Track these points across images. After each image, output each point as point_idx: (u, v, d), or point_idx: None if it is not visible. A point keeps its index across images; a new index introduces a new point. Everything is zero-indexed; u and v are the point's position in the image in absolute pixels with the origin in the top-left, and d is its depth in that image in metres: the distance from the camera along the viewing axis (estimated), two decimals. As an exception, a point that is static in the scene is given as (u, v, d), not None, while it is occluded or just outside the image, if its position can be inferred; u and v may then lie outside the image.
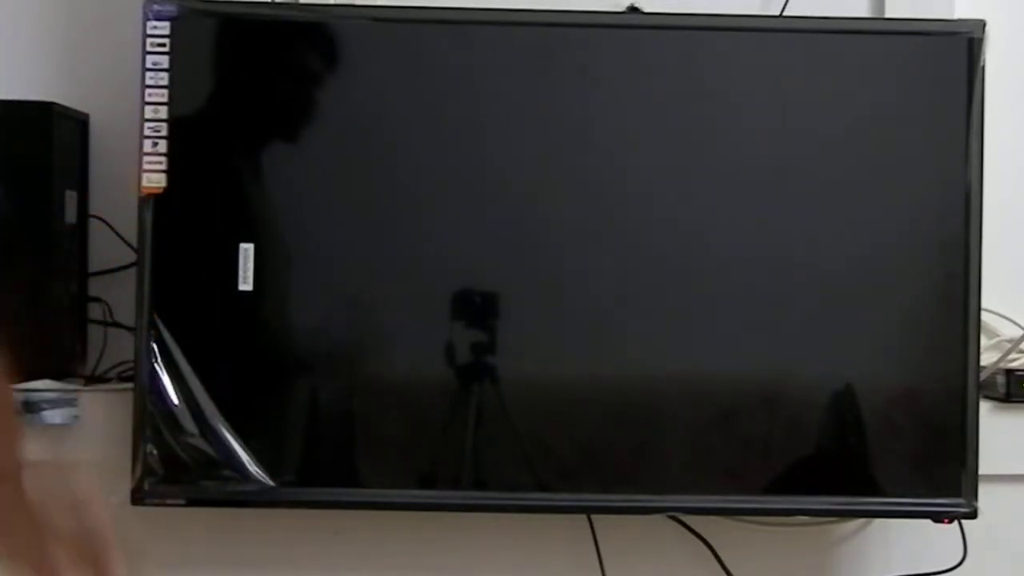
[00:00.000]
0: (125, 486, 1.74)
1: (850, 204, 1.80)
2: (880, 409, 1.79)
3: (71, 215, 1.87)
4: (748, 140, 1.79)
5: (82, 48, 1.95)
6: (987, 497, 1.78)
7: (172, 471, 1.73)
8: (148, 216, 1.74)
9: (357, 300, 1.79)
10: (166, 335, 1.73)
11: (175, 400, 1.73)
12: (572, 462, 1.79)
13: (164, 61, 1.74)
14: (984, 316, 1.83)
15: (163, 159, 1.74)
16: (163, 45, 1.74)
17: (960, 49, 1.77)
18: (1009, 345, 1.92)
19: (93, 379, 1.89)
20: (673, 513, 1.86)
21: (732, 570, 1.91)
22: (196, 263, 1.77)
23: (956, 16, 1.90)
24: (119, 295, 1.89)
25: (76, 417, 1.83)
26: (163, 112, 1.74)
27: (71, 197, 1.87)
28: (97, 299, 1.92)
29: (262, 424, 1.77)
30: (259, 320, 1.77)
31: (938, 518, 1.79)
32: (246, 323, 1.77)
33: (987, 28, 1.77)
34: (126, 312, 1.83)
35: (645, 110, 1.79)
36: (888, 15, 1.94)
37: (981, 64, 1.77)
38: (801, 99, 1.80)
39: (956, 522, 1.82)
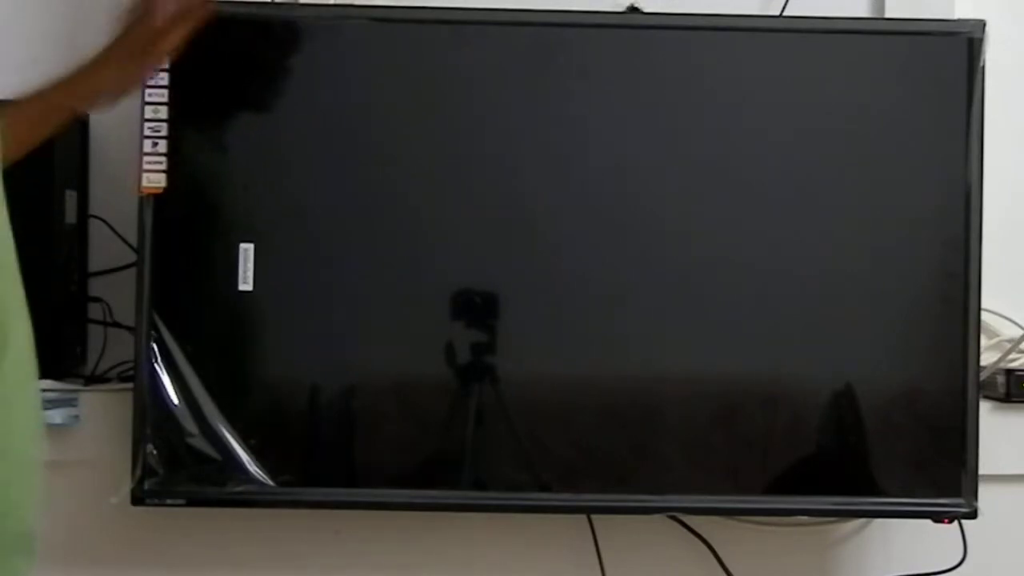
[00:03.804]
0: (125, 486, 1.74)
1: (850, 204, 1.80)
2: (880, 409, 1.79)
3: (71, 215, 1.87)
4: (748, 140, 1.79)
5: (82, 48, 1.94)
6: (987, 497, 1.78)
7: (172, 471, 1.73)
8: (148, 216, 1.74)
9: (357, 300, 1.79)
10: (166, 335, 1.73)
11: (175, 400, 1.73)
12: (572, 462, 1.79)
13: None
14: (984, 316, 1.83)
15: (163, 159, 1.74)
16: (163, 45, 1.74)
17: (960, 49, 1.77)
18: (1009, 345, 1.92)
19: (93, 379, 1.89)
20: (673, 513, 1.86)
21: (732, 570, 1.91)
22: (196, 263, 1.77)
23: (956, 16, 1.90)
24: (119, 295, 1.89)
25: (76, 417, 1.83)
26: (163, 112, 1.74)
27: (71, 197, 1.87)
28: (97, 299, 1.92)
29: (262, 424, 1.77)
30: (259, 320, 1.77)
31: (938, 518, 1.79)
32: (246, 323, 1.77)
33: (987, 28, 1.77)
34: (126, 312, 1.83)
35: (645, 110, 1.79)
36: (888, 15, 1.93)
37: (981, 64, 1.77)
38: (801, 99, 1.80)
39: (956, 522, 1.82)
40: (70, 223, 1.87)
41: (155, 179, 1.74)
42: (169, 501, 1.74)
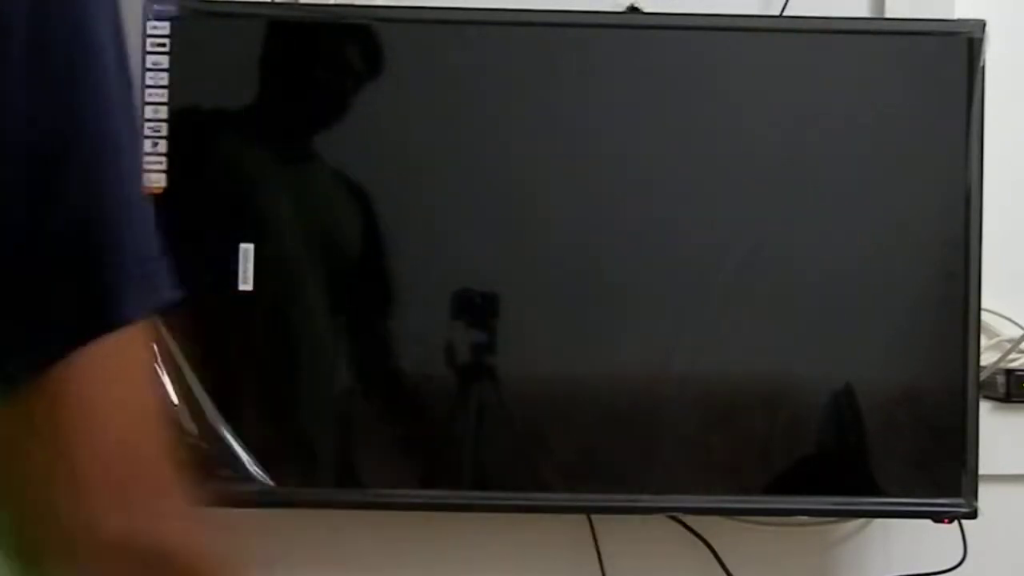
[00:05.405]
0: (125, 486, 1.73)
1: (850, 204, 1.80)
2: (880, 409, 1.79)
3: (71, 215, 1.87)
4: (748, 140, 1.79)
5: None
6: (987, 497, 1.78)
7: (172, 471, 1.73)
8: (148, 216, 1.74)
9: (357, 300, 1.79)
10: (166, 335, 1.73)
11: (175, 400, 1.73)
12: (572, 462, 1.79)
13: (164, 61, 1.74)
14: (984, 316, 1.83)
15: (163, 159, 1.74)
16: (163, 45, 1.74)
17: (960, 49, 1.77)
18: (1009, 345, 1.92)
19: (93, 379, 1.89)
20: (673, 513, 1.87)
21: (732, 570, 1.91)
22: (196, 263, 1.77)
23: (956, 16, 1.90)
24: (119, 295, 1.89)
25: (76, 417, 1.83)
26: (163, 112, 1.74)
27: (71, 197, 1.87)
28: (97, 299, 1.92)
29: (262, 424, 1.77)
30: (259, 320, 1.77)
31: (938, 518, 1.79)
32: (246, 323, 1.77)
33: (987, 28, 1.77)
34: (126, 312, 1.82)
35: (645, 110, 1.79)
36: (888, 15, 1.94)
37: (981, 64, 1.77)
38: (801, 99, 1.80)
39: (956, 522, 1.82)
40: (70, 223, 1.87)
41: (155, 179, 1.74)
42: (169, 501, 1.74)
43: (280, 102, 1.80)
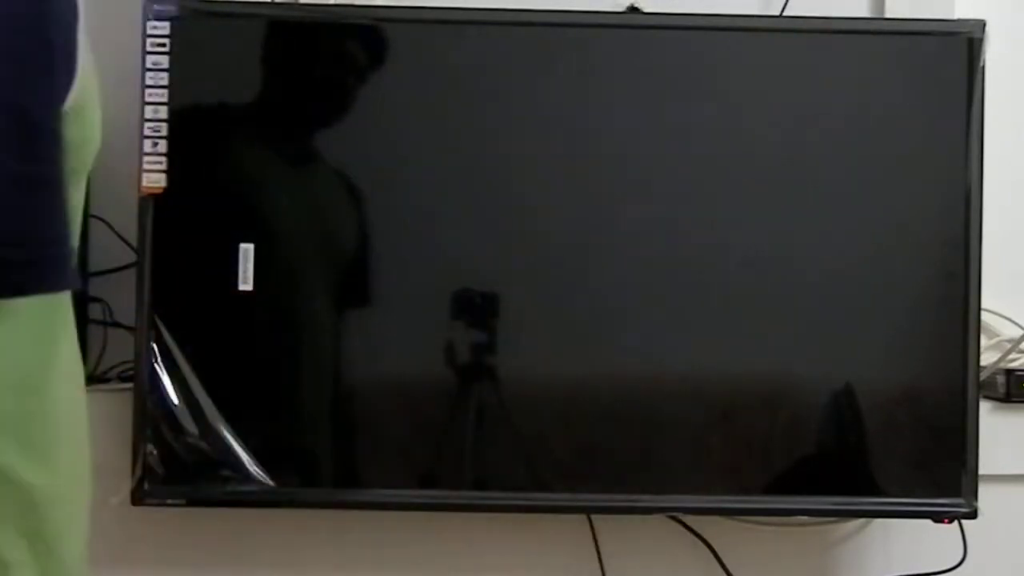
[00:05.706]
0: (125, 486, 1.74)
1: (850, 204, 1.80)
2: (880, 409, 1.79)
3: (71, 215, 1.86)
4: (748, 140, 1.79)
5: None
6: (987, 497, 1.78)
7: (172, 471, 1.73)
8: (148, 216, 1.74)
9: (356, 299, 1.79)
10: (166, 335, 1.73)
11: (175, 400, 1.73)
12: (572, 462, 1.79)
13: (164, 61, 1.74)
14: (984, 316, 1.83)
15: (163, 159, 1.74)
16: (163, 45, 1.74)
17: (960, 49, 1.77)
18: (1009, 345, 1.92)
19: (93, 379, 1.89)
20: (673, 513, 1.87)
21: (732, 570, 1.91)
22: (196, 263, 1.77)
23: (956, 16, 1.90)
24: (119, 295, 1.89)
25: (76, 417, 1.83)
26: (163, 112, 1.74)
27: (71, 197, 1.86)
28: (97, 299, 1.92)
29: (262, 424, 1.77)
30: (259, 320, 1.77)
31: (938, 518, 1.79)
32: (246, 323, 1.77)
33: (987, 28, 1.77)
34: (126, 312, 1.83)
35: (645, 110, 1.79)
36: (888, 15, 1.94)
37: (981, 64, 1.77)
38: (801, 99, 1.80)
39: (956, 522, 1.82)
40: (70, 223, 1.86)
41: (155, 179, 1.74)
42: (169, 501, 1.74)
43: (280, 102, 1.80)
